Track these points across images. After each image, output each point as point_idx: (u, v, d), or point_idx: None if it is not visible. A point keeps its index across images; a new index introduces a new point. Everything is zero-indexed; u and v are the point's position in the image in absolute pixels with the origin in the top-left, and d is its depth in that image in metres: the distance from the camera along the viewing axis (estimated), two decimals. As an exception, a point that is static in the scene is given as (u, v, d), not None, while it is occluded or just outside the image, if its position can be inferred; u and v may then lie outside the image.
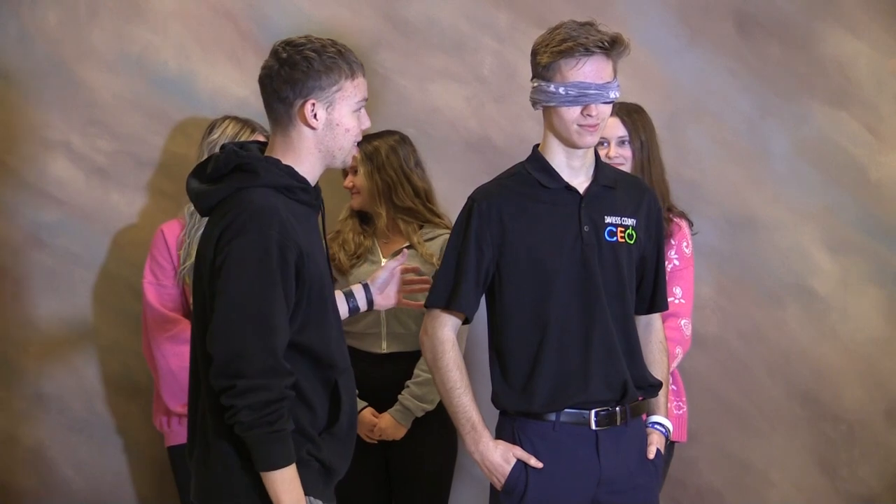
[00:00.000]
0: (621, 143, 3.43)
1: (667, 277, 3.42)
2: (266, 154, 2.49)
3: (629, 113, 3.46)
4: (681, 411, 3.52)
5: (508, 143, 3.85)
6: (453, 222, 2.92)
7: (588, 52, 2.62)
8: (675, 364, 3.45)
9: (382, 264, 3.50)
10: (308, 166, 2.46)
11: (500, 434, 2.83)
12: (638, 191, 2.90)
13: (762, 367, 3.92)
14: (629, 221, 2.82)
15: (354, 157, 3.53)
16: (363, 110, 2.50)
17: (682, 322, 3.42)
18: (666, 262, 3.43)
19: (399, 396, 3.50)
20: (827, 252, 3.90)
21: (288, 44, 2.45)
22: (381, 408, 3.51)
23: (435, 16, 3.89)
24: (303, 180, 2.44)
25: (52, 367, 3.84)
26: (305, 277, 2.38)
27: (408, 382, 3.51)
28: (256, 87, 4.00)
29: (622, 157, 3.43)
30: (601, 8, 3.77)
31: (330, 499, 2.47)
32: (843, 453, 3.90)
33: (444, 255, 2.86)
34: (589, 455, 2.76)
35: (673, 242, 3.43)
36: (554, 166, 2.78)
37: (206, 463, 2.39)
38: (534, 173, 2.79)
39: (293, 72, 2.41)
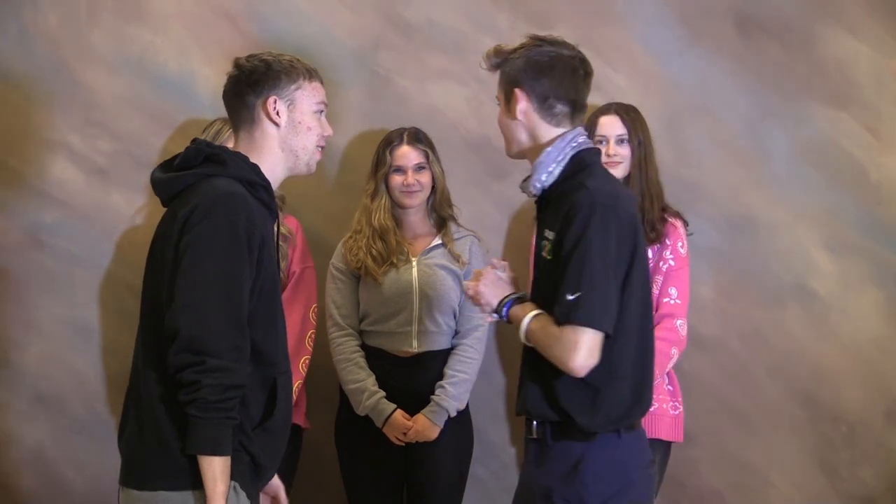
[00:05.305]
0: (620, 141, 3.43)
1: (662, 277, 3.43)
2: None
3: (627, 111, 3.45)
4: (677, 412, 3.51)
5: (508, 143, 3.84)
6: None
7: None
8: (670, 365, 3.45)
9: (414, 262, 3.52)
10: (270, 166, 2.51)
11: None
12: (564, 199, 2.57)
13: (762, 368, 3.91)
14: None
15: (415, 153, 3.55)
16: (324, 118, 2.58)
17: (678, 322, 3.42)
18: (661, 263, 3.44)
19: (433, 396, 3.48)
20: (827, 252, 3.90)
21: (248, 56, 2.58)
22: (410, 410, 3.48)
23: (435, 16, 3.89)
24: (265, 180, 2.49)
25: (52, 367, 3.84)
26: (265, 266, 2.41)
27: (441, 383, 3.49)
28: (256, 87, 3.96)
29: (620, 156, 3.42)
30: (601, 9, 3.76)
31: (255, 497, 2.44)
32: (843, 454, 3.90)
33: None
34: None
35: (668, 242, 3.43)
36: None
37: (141, 440, 2.38)
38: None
39: (253, 73, 2.52)
